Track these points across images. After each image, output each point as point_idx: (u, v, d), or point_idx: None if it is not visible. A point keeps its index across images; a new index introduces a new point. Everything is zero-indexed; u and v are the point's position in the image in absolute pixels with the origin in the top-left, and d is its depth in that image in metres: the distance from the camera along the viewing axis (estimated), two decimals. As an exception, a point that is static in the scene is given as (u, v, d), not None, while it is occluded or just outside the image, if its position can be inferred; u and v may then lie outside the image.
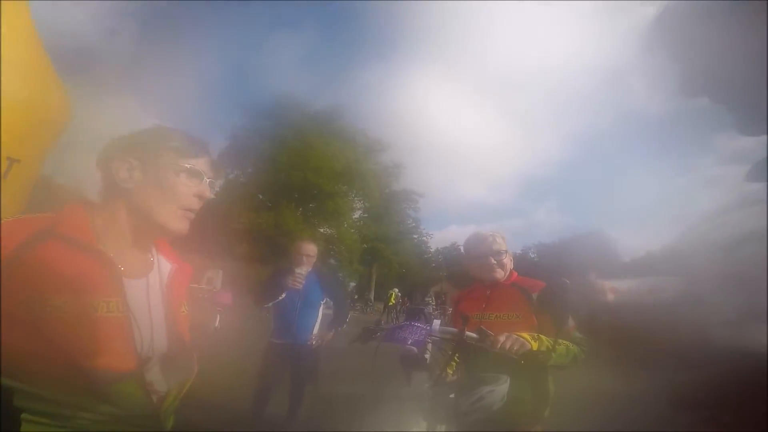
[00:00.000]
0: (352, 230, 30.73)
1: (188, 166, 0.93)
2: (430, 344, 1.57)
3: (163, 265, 0.99)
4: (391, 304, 19.06)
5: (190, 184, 0.93)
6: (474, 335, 1.47)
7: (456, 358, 1.61)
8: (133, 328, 0.84)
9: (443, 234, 66.03)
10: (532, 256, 42.45)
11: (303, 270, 3.08)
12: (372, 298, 26.63)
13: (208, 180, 0.96)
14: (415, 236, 38.86)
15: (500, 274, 1.89)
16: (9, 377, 0.73)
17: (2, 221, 0.79)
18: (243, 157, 27.45)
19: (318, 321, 3.22)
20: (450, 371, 1.64)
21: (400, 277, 35.66)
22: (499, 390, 1.38)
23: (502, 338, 1.46)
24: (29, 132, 2.97)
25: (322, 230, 28.41)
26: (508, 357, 1.44)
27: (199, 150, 0.97)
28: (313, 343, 3.14)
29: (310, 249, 3.25)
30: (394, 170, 33.40)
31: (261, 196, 27.09)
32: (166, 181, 0.91)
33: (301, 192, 27.36)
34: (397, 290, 20.26)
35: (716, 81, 0.58)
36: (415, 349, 1.52)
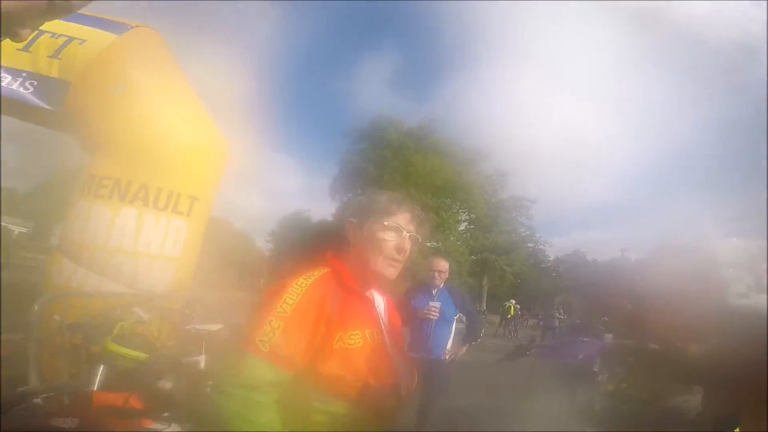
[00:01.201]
0: (459, 243, 30.37)
1: (387, 223, 1.12)
2: (599, 358, 1.57)
3: (377, 298, 1.21)
4: (510, 316, 18.11)
5: (391, 238, 1.11)
6: (656, 347, 1.41)
7: (635, 371, 1.55)
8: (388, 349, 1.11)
9: (564, 241, 60.80)
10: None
11: (436, 292, 3.20)
12: (485, 310, 25.62)
13: (407, 233, 1.13)
14: (530, 245, 36.44)
15: None
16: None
17: (311, 281, 1.02)
18: (353, 180, 29.53)
19: (451, 336, 3.27)
20: (625, 384, 1.59)
21: (515, 288, 33.67)
22: (693, 400, 1.32)
23: (693, 347, 1.33)
24: (202, 174, 3.93)
25: (428, 245, 28.69)
26: (704, 367, 1.32)
27: (398, 208, 1.15)
28: (447, 357, 3.18)
29: (442, 265, 3.32)
30: (498, 178, 32.35)
31: (371, 216, 28.60)
32: (374, 236, 1.11)
33: (405, 209, 28.17)
34: (514, 302, 19.13)
35: None
36: (588, 364, 1.52)
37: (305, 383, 0.95)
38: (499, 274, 33.11)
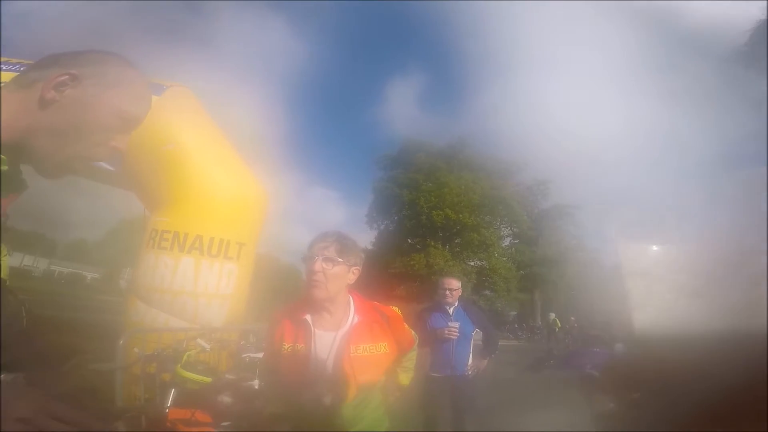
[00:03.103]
0: (504, 258, 29.53)
1: (306, 254, 1.45)
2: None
3: (352, 319, 1.46)
4: (557, 329, 17.33)
5: (308, 264, 1.43)
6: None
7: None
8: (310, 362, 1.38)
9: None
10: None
11: (452, 310, 3.26)
12: (540, 325, 24.46)
13: (319, 258, 1.40)
14: (581, 253, 34.66)
15: None
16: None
17: (280, 311, 1.54)
18: (387, 206, 29.97)
19: (471, 351, 3.34)
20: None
21: (571, 300, 31.90)
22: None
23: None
24: (246, 222, 4.43)
25: (472, 263, 28.19)
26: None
27: (319, 239, 1.47)
28: (470, 372, 3.26)
29: (454, 283, 3.39)
30: (539, 188, 31.45)
31: (410, 240, 28.71)
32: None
33: (444, 230, 28.08)
34: (553, 314, 18.36)
35: None
36: (596, 373, 1.61)
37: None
38: (552, 286, 31.63)
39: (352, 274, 1.48)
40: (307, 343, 1.40)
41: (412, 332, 1.69)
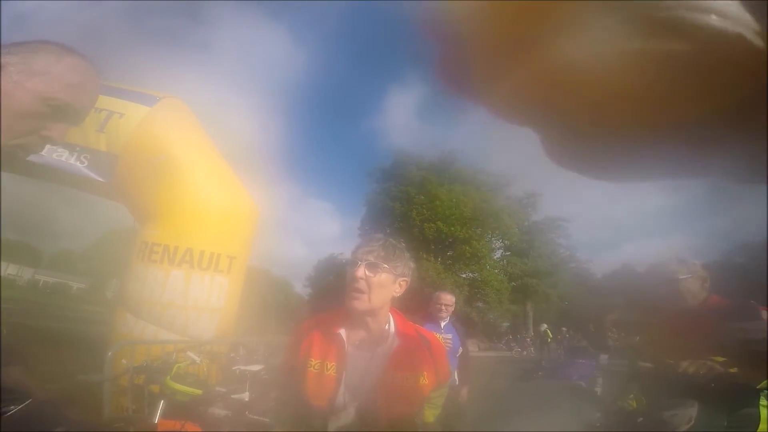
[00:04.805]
0: (496, 270, 29.71)
1: (346, 257, 1.41)
2: (600, 378, 1.71)
3: (392, 341, 1.26)
4: (549, 340, 17.42)
5: (349, 270, 1.24)
6: (648, 365, 1.51)
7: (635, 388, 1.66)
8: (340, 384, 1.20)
9: (616, 254, 57.71)
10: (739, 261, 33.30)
11: (443, 325, 3.25)
12: (532, 336, 24.52)
13: (363, 262, 1.22)
14: (573, 264, 34.95)
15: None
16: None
17: (309, 320, 1.35)
18: (380, 219, 30.03)
19: (456, 367, 3.28)
20: (633, 402, 1.66)
21: (563, 311, 32.03)
22: (683, 414, 1.39)
23: (684, 364, 1.43)
24: (237, 236, 4.44)
25: (464, 276, 28.26)
26: (698, 382, 1.41)
27: (363, 241, 1.29)
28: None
29: (449, 299, 3.38)
30: (529, 200, 31.87)
31: (402, 253, 28.63)
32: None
33: (436, 243, 28.21)
34: (546, 326, 18.48)
35: None
36: (583, 383, 1.68)
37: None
38: (544, 298, 31.81)
39: (398, 286, 1.28)
40: (339, 362, 1.22)
41: (450, 365, 1.50)
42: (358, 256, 1.23)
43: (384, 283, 1.22)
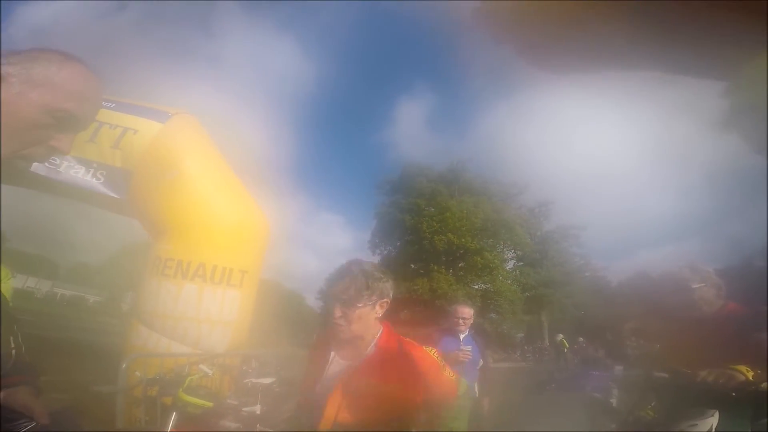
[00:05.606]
0: (509, 281, 29.26)
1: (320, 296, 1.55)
2: (616, 389, 1.70)
3: (369, 351, 1.35)
4: (565, 350, 17.01)
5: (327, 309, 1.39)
6: (664, 374, 1.49)
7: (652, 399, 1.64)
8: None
9: (631, 262, 56.76)
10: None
11: (462, 338, 3.22)
12: (547, 346, 23.99)
13: (337, 303, 1.33)
14: (587, 273, 34.22)
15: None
16: None
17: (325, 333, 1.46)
18: (390, 232, 29.96)
19: (477, 379, 3.26)
20: (651, 412, 1.66)
21: (579, 320, 31.29)
22: (703, 424, 1.37)
23: (703, 373, 1.41)
24: (249, 250, 4.48)
25: (476, 287, 27.91)
26: (718, 391, 1.39)
27: (338, 278, 1.39)
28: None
29: (467, 312, 3.35)
30: (541, 210, 31.52)
31: (413, 265, 28.54)
32: None
33: (447, 254, 27.97)
34: (561, 335, 18.06)
35: None
36: (598, 395, 1.67)
37: None
38: (559, 307, 31.17)
39: (379, 308, 1.37)
40: (321, 369, 1.40)
41: (456, 380, 1.51)
42: (333, 294, 1.33)
43: (362, 315, 1.32)
